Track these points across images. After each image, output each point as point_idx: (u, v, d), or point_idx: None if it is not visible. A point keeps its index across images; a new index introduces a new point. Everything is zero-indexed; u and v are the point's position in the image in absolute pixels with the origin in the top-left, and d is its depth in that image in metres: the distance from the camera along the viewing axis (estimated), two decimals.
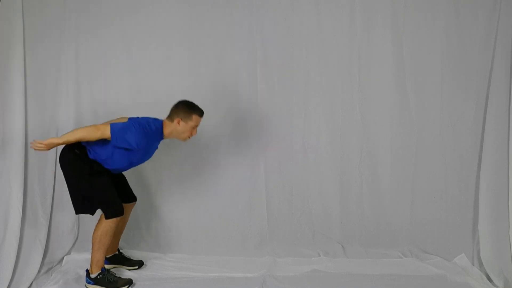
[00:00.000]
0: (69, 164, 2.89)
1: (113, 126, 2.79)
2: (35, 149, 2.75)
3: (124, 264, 3.23)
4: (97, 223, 2.95)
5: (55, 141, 2.76)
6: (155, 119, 2.97)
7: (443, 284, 3.04)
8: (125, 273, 3.15)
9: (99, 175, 2.88)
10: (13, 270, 2.95)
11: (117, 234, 3.15)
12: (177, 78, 3.45)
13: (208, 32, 3.42)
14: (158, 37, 3.41)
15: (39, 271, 3.09)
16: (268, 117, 3.49)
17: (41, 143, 2.73)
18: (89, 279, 2.94)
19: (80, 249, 3.40)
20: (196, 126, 2.97)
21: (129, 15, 3.40)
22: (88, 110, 3.44)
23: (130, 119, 2.93)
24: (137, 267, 3.23)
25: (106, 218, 2.89)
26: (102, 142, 2.84)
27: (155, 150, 3.05)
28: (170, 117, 2.97)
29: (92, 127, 2.79)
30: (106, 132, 2.76)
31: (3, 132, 3.13)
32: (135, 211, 3.46)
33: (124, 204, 3.02)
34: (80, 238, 3.46)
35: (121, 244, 3.45)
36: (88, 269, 2.97)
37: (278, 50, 3.45)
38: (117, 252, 3.26)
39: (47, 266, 3.21)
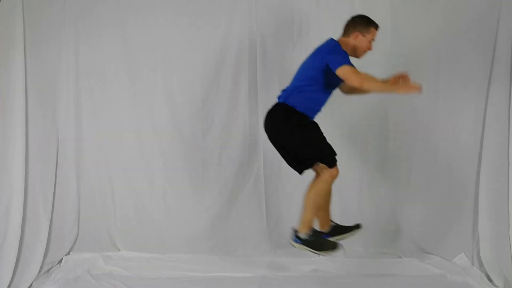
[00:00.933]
0: (280, 123, 2.78)
1: (343, 61, 2.60)
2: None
3: (345, 232, 2.99)
4: (312, 184, 2.80)
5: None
6: (333, 41, 2.81)
7: (443, 284, 3.04)
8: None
9: (310, 128, 2.76)
10: (13, 270, 2.95)
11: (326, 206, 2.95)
12: (177, 78, 3.45)
13: (208, 32, 3.42)
14: (158, 37, 3.41)
15: (39, 271, 3.09)
16: None
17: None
18: (297, 238, 2.78)
19: (80, 249, 3.40)
20: (373, 40, 2.81)
21: (129, 15, 3.39)
22: (88, 109, 3.45)
23: (320, 55, 2.76)
24: (357, 228, 3.00)
25: (331, 166, 2.72)
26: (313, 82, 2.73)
27: None
28: (346, 33, 2.83)
29: (355, 78, 2.56)
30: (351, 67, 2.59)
31: (3, 132, 3.12)
32: (133, 211, 3.48)
33: None
34: (80, 238, 3.46)
35: (118, 244, 3.46)
36: (296, 228, 2.81)
37: (278, 50, 3.45)
38: (333, 223, 3.00)
39: (47, 266, 3.21)
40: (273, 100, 3.48)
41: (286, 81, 3.46)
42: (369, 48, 2.83)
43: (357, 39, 2.80)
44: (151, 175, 3.50)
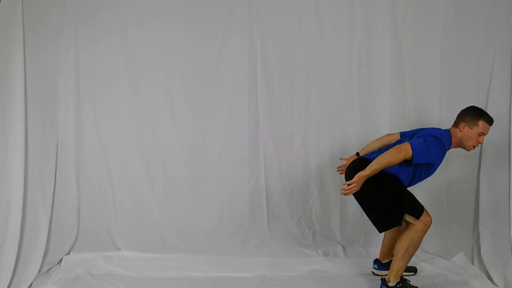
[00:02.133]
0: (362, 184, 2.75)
1: (414, 145, 2.65)
2: (347, 194, 2.65)
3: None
4: (404, 233, 2.79)
5: (363, 174, 2.61)
6: (440, 130, 2.87)
7: (443, 283, 3.04)
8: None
9: (391, 183, 2.76)
10: (13, 270, 2.94)
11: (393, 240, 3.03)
12: (177, 78, 3.44)
13: (208, 32, 3.42)
14: (158, 37, 3.41)
15: (39, 271, 3.09)
16: (268, 117, 3.49)
17: (351, 184, 2.62)
18: (384, 286, 2.83)
19: (80, 249, 3.39)
20: (483, 134, 2.77)
21: (130, 18, 3.39)
22: (88, 110, 3.44)
23: (421, 133, 2.81)
24: (413, 273, 3.12)
25: (418, 217, 2.72)
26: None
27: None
28: (456, 123, 2.84)
29: (393, 150, 2.65)
30: (408, 152, 2.63)
31: (3, 132, 3.12)
32: (138, 210, 3.49)
33: None
34: (80, 238, 3.45)
35: (120, 244, 3.45)
36: (384, 277, 2.86)
37: (278, 50, 3.46)
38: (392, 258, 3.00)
39: (47, 266, 3.21)
40: (273, 100, 3.50)
41: (286, 81, 3.48)
42: (479, 142, 2.78)
43: (463, 130, 2.78)
44: (151, 175, 3.50)
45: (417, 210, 2.76)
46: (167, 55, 3.43)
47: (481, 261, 3.24)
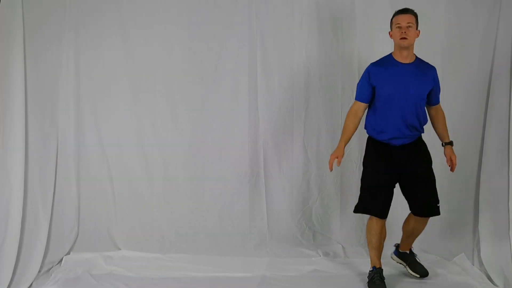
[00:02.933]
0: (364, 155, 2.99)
1: (356, 96, 2.90)
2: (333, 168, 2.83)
3: (409, 266, 3.09)
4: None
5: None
6: None
7: (443, 284, 3.04)
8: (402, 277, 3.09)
9: (375, 164, 2.88)
10: (13, 270, 2.95)
11: (410, 234, 3.04)
12: (177, 78, 3.45)
13: (208, 33, 3.42)
14: (158, 37, 3.42)
15: (39, 271, 3.09)
16: (268, 117, 3.50)
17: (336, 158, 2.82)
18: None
19: (80, 249, 3.39)
20: (399, 25, 2.79)
21: (129, 16, 3.39)
22: (88, 110, 3.44)
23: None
24: (418, 276, 3.06)
25: (355, 211, 2.91)
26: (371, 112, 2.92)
27: (412, 86, 2.83)
28: None
29: (347, 114, 2.91)
30: (354, 105, 2.89)
31: (3, 132, 3.12)
32: (138, 210, 3.49)
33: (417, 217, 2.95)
34: (80, 238, 3.45)
35: (120, 244, 3.45)
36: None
37: (278, 50, 3.46)
38: (407, 252, 3.13)
39: (47, 266, 3.20)
40: (273, 100, 3.50)
41: (286, 81, 3.48)
42: (401, 31, 2.79)
43: (392, 37, 2.87)
44: (151, 175, 3.50)
45: (360, 204, 2.89)
46: (167, 55, 3.43)
47: (481, 262, 3.23)
